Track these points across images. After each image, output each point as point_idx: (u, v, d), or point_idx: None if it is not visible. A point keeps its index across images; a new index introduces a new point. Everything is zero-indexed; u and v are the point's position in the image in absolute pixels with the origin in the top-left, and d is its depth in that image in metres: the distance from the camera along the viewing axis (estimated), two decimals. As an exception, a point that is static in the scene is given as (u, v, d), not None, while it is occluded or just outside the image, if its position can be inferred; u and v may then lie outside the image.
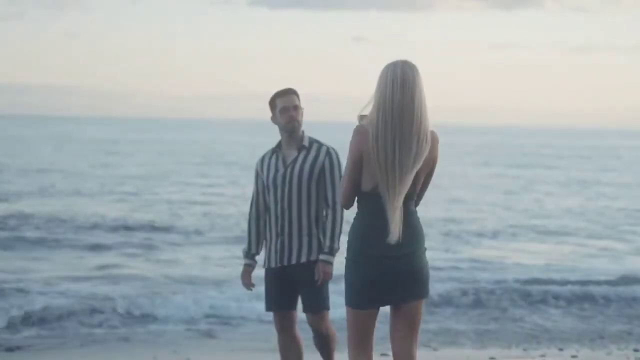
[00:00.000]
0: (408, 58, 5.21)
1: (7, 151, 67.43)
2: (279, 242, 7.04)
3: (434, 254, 22.33)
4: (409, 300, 5.27)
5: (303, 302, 7.12)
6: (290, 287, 7.10)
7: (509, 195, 39.78)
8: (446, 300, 16.41)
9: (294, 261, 7.01)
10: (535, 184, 47.73)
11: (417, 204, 5.38)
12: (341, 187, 5.30)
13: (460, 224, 28.56)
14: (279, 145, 7.16)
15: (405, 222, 5.21)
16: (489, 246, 24.36)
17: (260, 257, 7.25)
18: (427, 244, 5.38)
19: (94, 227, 25.20)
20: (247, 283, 7.21)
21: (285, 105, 7.04)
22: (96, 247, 21.81)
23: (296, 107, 7.06)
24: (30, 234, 23.68)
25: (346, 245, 5.36)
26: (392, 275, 5.21)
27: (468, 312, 15.70)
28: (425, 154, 5.16)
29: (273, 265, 7.09)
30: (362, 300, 5.25)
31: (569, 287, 17.72)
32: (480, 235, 26.47)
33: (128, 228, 25.28)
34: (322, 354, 7.30)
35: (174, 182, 43.26)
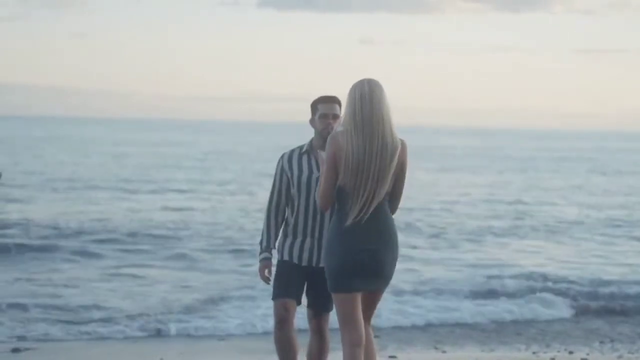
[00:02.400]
0: (373, 77, 6.07)
1: (14, 152, 67.55)
2: (307, 242, 6.95)
3: (448, 253, 22.30)
4: (375, 288, 6.13)
5: (315, 302, 6.99)
6: (302, 282, 7.00)
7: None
8: (453, 302, 16.37)
9: (321, 263, 6.84)
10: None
11: (394, 208, 6.21)
12: (320, 188, 6.10)
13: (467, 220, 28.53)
14: (310, 146, 7.10)
15: (378, 221, 6.03)
16: (495, 244, 24.34)
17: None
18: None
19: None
20: (266, 277, 7.09)
21: (325, 112, 7.01)
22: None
23: (335, 116, 7.02)
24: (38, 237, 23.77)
25: (327, 237, 6.14)
26: (363, 265, 6.00)
27: (477, 315, 15.61)
28: (395, 158, 5.97)
29: (296, 261, 6.97)
30: (340, 285, 6.05)
31: (578, 288, 17.66)
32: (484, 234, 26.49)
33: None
34: None
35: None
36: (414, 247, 23.48)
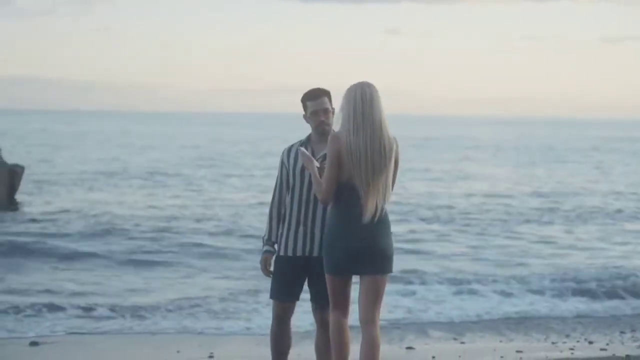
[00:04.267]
0: (367, 80, 6.57)
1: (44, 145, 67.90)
2: (300, 231, 6.99)
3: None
4: (373, 273, 6.55)
5: (317, 295, 7.00)
6: (299, 277, 7.04)
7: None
8: (471, 292, 16.34)
9: (315, 253, 6.95)
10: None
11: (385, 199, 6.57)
12: (323, 185, 6.51)
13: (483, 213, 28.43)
14: (308, 138, 7.12)
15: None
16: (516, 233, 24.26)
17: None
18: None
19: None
20: (268, 271, 7.16)
21: (315, 109, 7.03)
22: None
23: (326, 111, 7.03)
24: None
25: (327, 226, 6.60)
26: (361, 251, 6.49)
27: (497, 305, 15.53)
28: (392, 154, 6.50)
29: (290, 253, 7.02)
30: (337, 269, 6.56)
31: (598, 278, 17.56)
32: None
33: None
34: (321, 357, 7.15)
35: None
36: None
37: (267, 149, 70.72)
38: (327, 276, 6.65)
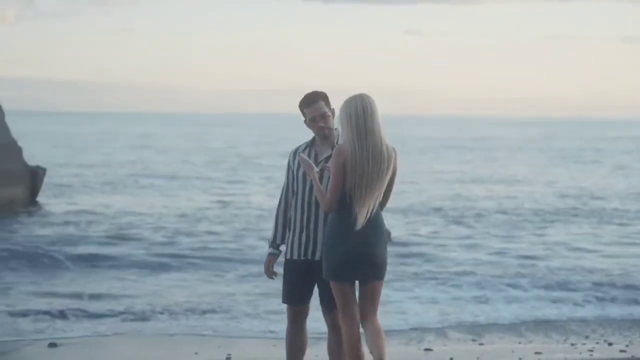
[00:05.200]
0: (364, 92, 6.73)
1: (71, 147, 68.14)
2: (304, 235, 7.03)
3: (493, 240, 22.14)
4: (369, 279, 6.78)
5: (326, 298, 7.03)
6: (309, 281, 7.09)
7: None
8: (493, 294, 16.28)
9: (317, 257, 7.00)
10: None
11: (383, 206, 6.84)
12: (328, 195, 6.69)
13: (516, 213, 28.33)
14: (313, 141, 7.15)
15: (370, 219, 6.70)
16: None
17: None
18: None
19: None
20: (270, 272, 7.23)
21: (312, 116, 7.04)
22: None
23: (323, 115, 7.03)
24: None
25: (326, 233, 6.75)
26: (357, 257, 6.69)
27: (517, 307, 15.46)
28: (391, 165, 6.72)
29: (296, 257, 7.07)
30: (335, 275, 6.72)
31: (617, 279, 17.49)
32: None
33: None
34: (333, 357, 7.16)
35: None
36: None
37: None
38: (331, 284, 6.80)
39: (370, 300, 6.84)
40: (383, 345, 6.80)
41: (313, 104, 7.04)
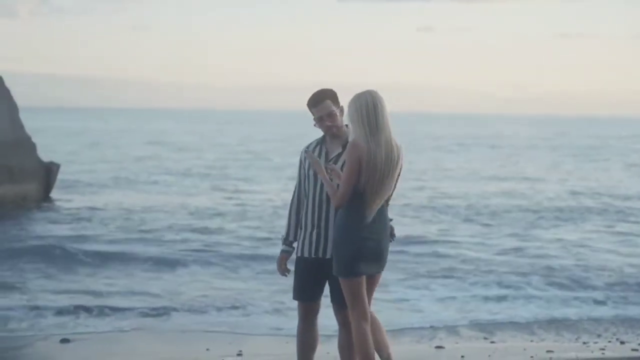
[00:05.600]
0: (372, 88, 6.83)
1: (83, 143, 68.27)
2: (314, 233, 7.06)
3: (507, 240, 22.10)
4: (376, 271, 6.97)
5: (333, 295, 7.10)
6: (320, 279, 7.12)
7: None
8: (507, 292, 16.26)
9: (328, 255, 7.03)
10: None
11: (388, 201, 6.95)
12: (340, 189, 6.74)
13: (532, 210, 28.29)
14: (324, 138, 7.16)
15: (380, 214, 6.87)
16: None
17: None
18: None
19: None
20: (283, 269, 7.27)
21: (320, 115, 7.06)
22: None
23: (330, 114, 7.03)
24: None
25: (339, 229, 6.79)
26: (368, 251, 6.81)
27: (525, 305, 15.43)
28: (400, 160, 6.84)
29: (307, 255, 7.08)
30: (352, 270, 6.78)
31: (631, 278, 17.44)
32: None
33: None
34: (344, 356, 7.19)
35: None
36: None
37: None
38: (342, 281, 6.85)
39: (370, 293, 7.00)
40: (387, 341, 7.09)
41: (320, 104, 7.03)
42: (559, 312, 14.94)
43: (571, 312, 14.88)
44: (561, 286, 16.92)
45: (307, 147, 7.21)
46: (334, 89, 7.18)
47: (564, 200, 33.13)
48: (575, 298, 16.00)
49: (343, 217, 6.80)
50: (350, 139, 6.82)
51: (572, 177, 44.89)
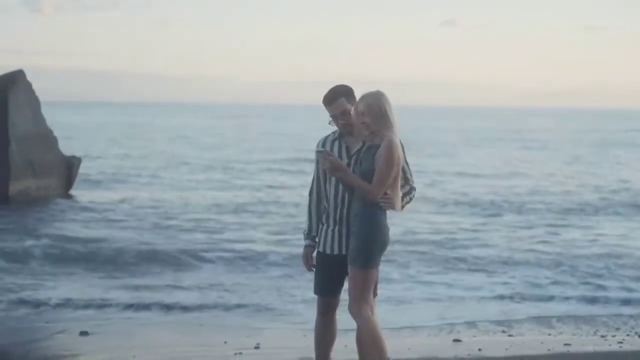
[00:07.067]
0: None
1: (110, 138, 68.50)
2: (336, 229, 7.06)
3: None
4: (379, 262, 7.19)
5: None
6: (340, 274, 7.13)
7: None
8: (527, 287, 16.24)
9: (345, 251, 7.04)
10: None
11: None
12: (379, 184, 6.82)
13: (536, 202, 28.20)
14: (340, 132, 7.11)
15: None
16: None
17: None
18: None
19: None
20: (310, 264, 7.28)
21: (334, 114, 7.04)
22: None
23: (344, 113, 7.00)
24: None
25: (367, 222, 6.89)
26: (387, 243, 7.04)
27: (544, 300, 15.37)
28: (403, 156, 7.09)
29: (329, 251, 7.08)
30: (376, 261, 6.99)
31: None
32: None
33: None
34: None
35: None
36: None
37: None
38: (362, 272, 6.93)
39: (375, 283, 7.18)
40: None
41: (333, 102, 7.00)
42: (579, 306, 14.89)
43: (591, 307, 14.83)
44: (585, 281, 16.83)
45: (324, 139, 7.15)
46: (354, 85, 7.15)
47: (590, 196, 32.93)
48: (597, 292, 15.93)
49: (375, 211, 6.92)
50: (382, 136, 6.89)
51: (599, 172, 44.57)
